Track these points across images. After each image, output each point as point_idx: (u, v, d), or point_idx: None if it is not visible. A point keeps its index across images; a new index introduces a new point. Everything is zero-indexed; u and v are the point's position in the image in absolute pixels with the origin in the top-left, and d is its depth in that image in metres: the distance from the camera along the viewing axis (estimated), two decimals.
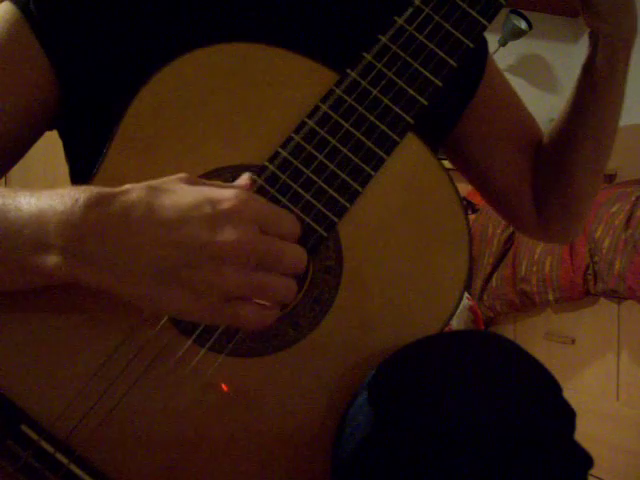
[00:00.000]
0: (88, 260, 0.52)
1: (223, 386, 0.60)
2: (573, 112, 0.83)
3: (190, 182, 0.55)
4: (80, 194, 0.53)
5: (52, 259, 0.53)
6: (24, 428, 0.56)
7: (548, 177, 0.87)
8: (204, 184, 0.55)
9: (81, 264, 0.52)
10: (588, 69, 0.80)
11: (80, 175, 0.74)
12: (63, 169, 0.78)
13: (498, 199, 0.91)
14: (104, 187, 0.54)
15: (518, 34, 3.08)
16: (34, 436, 0.56)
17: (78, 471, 0.57)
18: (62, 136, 0.76)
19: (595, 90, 0.80)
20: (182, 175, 0.55)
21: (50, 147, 0.78)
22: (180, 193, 0.53)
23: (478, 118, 0.86)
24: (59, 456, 0.56)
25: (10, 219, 0.54)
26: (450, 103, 0.81)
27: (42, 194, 0.55)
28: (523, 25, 3.05)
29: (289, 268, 0.54)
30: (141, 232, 0.52)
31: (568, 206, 0.88)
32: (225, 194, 0.53)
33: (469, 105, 0.85)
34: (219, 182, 0.57)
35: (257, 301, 0.54)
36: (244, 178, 0.58)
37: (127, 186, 0.54)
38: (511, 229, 2.37)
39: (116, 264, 0.52)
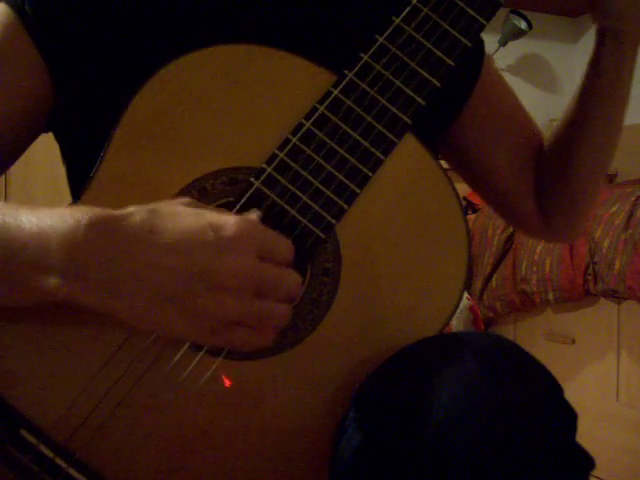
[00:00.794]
0: (88, 282, 0.52)
1: (226, 381, 0.60)
2: (578, 110, 0.82)
3: (193, 206, 0.55)
4: (83, 215, 0.53)
5: (52, 280, 0.52)
6: (23, 433, 0.56)
7: (551, 177, 0.86)
8: (206, 208, 0.55)
9: (81, 286, 0.52)
10: (594, 67, 0.78)
11: (77, 177, 0.74)
12: (64, 170, 0.78)
13: (499, 200, 0.90)
14: (105, 209, 0.53)
15: (518, 34, 3.08)
16: (33, 440, 0.56)
17: (77, 475, 0.57)
18: (58, 138, 0.76)
19: (601, 88, 0.79)
20: (184, 199, 0.56)
21: (50, 148, 0.78)
22: (183, 217, 0.53)
23: (476, 116, 0.85)
24: (58, 460, 0.56)
25: (11, 239, 0.54)
26: (447, 102, 0.80)
27: (43, 213, 0.55)
28: (523, 25, 3.04)
29: (285, 294, 0.55)
30: (142, 256, 0.52)
31: (572, 205, 0.87)
32: (227, 220, 0.53)
33: (466, 104, 0.84)
34: (220, 208, 0.58)
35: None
36: (251, 213, 0.58)
37: (130, 209, 0.54)
38: (511, 229, 2.37)
39: (115, 287, 0.52)
